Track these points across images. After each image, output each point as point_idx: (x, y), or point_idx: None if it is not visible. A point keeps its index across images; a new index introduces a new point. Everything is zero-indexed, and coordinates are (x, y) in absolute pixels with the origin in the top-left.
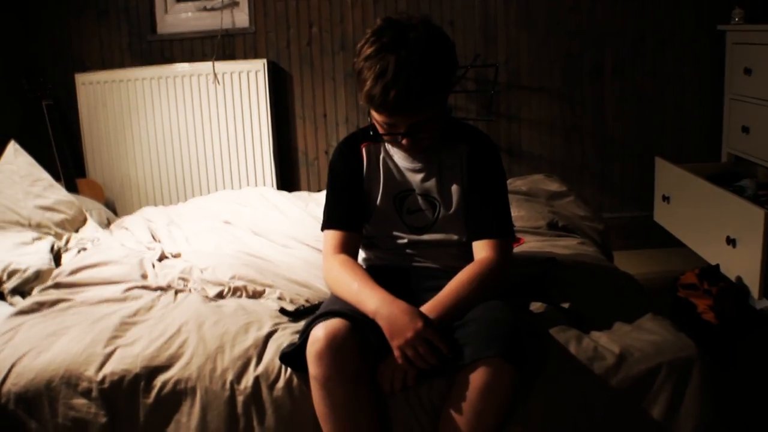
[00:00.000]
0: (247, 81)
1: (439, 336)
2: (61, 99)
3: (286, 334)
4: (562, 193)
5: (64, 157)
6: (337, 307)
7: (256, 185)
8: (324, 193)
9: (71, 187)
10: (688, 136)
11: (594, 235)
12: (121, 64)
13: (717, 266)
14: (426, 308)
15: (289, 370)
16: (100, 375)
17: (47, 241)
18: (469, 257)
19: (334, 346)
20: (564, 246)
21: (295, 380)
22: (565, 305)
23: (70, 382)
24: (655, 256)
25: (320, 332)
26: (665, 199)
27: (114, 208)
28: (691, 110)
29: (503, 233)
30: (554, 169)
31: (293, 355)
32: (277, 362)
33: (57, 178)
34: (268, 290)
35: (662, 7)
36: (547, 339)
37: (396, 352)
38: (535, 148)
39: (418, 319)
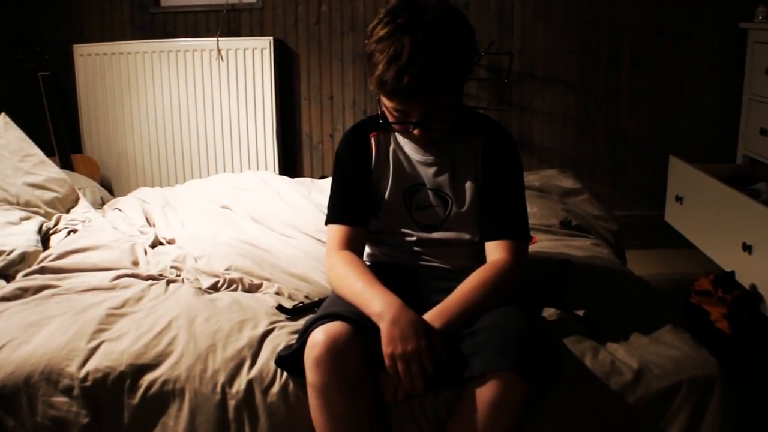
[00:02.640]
0: (252, 59)
1: (432, 359)
2: (58, 70)
3: (283, 334)
4: (576, 190)
5: (60, 131)
6: (339, 309)
7: (258, 168)
8: (328, 180)
9: (66, 163)
10: (703, 135)
11: (608, 236)
12: (122, 37)
13: (732, 273)
14: (433, 314)
15: (284, 374)
16: (83, 372)
17: (35, 222)
18: (481, 258)
19: (335, 352)
20: (577, 247)
21: (291, 385)
22: (580, 312)
23: (51, 378)
24: (663, 257)
25: (320, 336)
26: (678, 199)
27: (110, 186)
28: (709, 109)
29: (519, 234)
30: (565, 163)
31: (290, 359)
32: (273, 365)
33: (51, 152)
34: (265, 284)
35: (683, 2)
36: (561, 350)
37: (387, 361)
38: (546, 140)
39: (423, 336)
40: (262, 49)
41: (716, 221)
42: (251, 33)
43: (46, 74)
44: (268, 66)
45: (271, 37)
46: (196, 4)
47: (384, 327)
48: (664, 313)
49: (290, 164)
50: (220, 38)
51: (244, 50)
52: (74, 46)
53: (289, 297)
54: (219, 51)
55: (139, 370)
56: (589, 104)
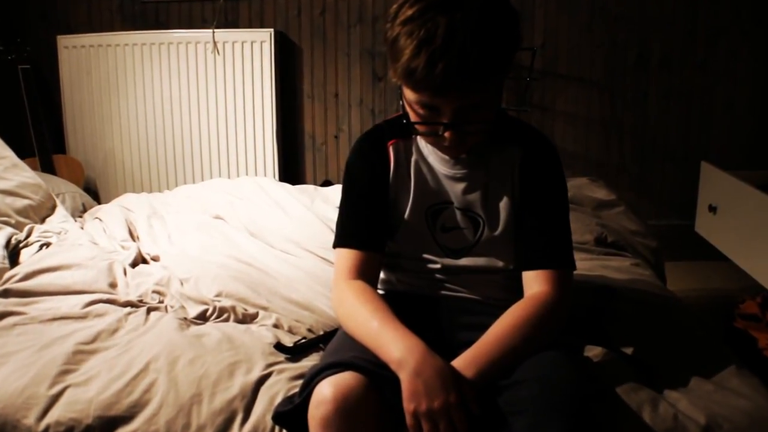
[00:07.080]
0: (251, 52)
1: (463, 417)
2: (41, 63)
3: (282, 380)
4: (610, 202)
5: (41, 129)
6: (350, 355)
7: (256, 171)
8: (333, 188)
9: (46, 165)
10: (737, 139)
11: (646, 254)
12: (110, 27)
13: None
14: (464, 360)
15: (284, 431)
16: (42, 424)
17: (3, 234)
18: (515, 288)
19: (345, 410)
20: (616, 267)
21: None
22: (629, 351)
23: (5, 430)
24: (694, 271)
25: (327, 391)
26: (711, 209)
27: (95, 190)
28: (743, 112)
29: (562, 262)
30: (589, 168)
31: (291, 414)
32: (269, 421)
33: (31, 153)
34: (261, 313)
35: None
36: (615, 402)
37: (409, 420)
38: (569, 143)
39: (453, 389)
40: (261, 42)
41: (755, 233)
42: (250, 24)
43: (27, 68)
44: (269, 60)
45: (272, 29)
46: None
47: (405, 378)
48: (724, 351)
49: (291, 167)
50: (216, 30)
51: (243, 43)
52: (58, 37)
53: (290, 330)
54: (215, 44)
55: (109, 423)
56: (615, 105)
